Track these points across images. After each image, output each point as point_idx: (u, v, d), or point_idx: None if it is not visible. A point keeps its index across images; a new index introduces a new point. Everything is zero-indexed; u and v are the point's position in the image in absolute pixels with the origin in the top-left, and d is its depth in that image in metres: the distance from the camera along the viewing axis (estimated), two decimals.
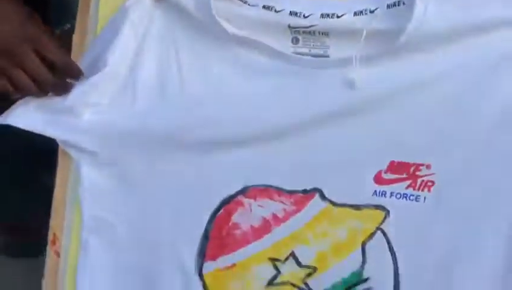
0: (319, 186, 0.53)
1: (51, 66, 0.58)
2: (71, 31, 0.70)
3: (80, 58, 0.63)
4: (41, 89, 0.59)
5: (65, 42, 0.69)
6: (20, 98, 0.64)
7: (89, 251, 0.60)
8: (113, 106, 0.59)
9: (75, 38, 0.67)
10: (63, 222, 0.66)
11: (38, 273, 0.69)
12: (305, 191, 0.54)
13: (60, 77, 0.59)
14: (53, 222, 0.67)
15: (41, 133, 0.62)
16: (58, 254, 0.66)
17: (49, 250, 0.67)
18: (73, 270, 0.64)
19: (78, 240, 0.62)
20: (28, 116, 0.59)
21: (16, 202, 1.04)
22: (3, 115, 0.62)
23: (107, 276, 0.60)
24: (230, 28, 0.55)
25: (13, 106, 0.62)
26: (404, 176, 0.51)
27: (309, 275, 0.53)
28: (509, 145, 0.49)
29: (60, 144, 0.63)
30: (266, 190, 0.55)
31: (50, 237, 0.67)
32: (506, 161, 0.49)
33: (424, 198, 0.50)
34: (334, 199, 0.52)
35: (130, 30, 0.58)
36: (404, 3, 0.53)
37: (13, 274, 1.02)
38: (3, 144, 0.90)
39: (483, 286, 0.47)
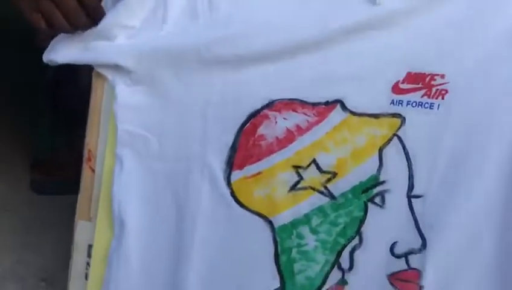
0: (340, 97, 0.57)
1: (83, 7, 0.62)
2: None
3: None
4: (73, 28, 0.63)
5: None
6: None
7: (123, 163, 0.65)
8: (145, 27, 0.63)
9: None
10: (98, 139, 0.71)
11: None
12: (327, 103, 0.58)
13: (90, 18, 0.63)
14: (88, 140, 0.72)
15: (79, 62, 0.66)
16: (93, 170, 0.71)
17: (85, 166, 0.73)
18: (108, 184, 0.70)
19: (113, 155, 0.68)
20: (65, 50, 0.64)
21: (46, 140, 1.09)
22: (46, 52, 0.66)
23: (141, 185, 0.65)
24: None
25: (51, 43, 0.67)
26: (420, 85, 0.54)
27: (329, 180, 0.58)
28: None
29: (95, 67, 0.68)
30: (290, 103, 0.59)
31: (85, 155, 0.72)
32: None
33: (438, 105, 0.54)
34: (354, 109, 0.57)
35: None
36: None
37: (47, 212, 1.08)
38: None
39: (489, 183, 0.52)
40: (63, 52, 0.64)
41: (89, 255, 0.70)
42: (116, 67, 0.65)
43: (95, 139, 0.70)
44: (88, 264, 0.70)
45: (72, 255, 0.72)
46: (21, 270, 0.94)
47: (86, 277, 0.70)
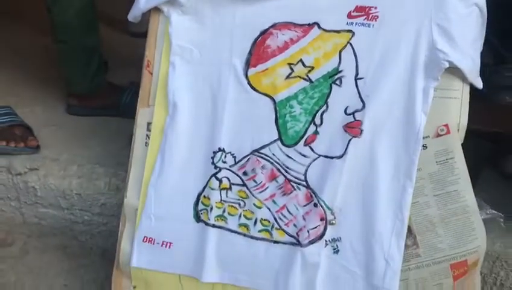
0: (317, 20, 0.93)
1: None
2: None
3: None
4: None
5: None
6: None
7: (175, 67, 1.00)
8: None
9: None
10: (155, 51, 1.03)
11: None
12: (309, 24, 0.94)
13: None
14: (147, 52, 1.04)
15: (145, 9, 0.97)
16: (151, 73, 1.03)
17: (144, 71, 1.04)
18: (163, 81, 1.02)
19: (167, 61, 1.00)
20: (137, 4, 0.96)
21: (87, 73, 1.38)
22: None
23: (187, 80, 0.99)
24: None
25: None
26: (363, 13, 0.92)
27: (309, 71, 0.94)
28: None
29: (156, 5, 0.99)
30: (286, 24, 0.95)
31: (145, 63, 1.04)
32: None
33: (373, 25, 0.91)
34: (325, 28, 0.93)
35: None
36: None
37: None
38: None
39: (400, 70, 0.89)
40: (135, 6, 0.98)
41: (148, 130, 1.03)
42: (172, 3, 0.97)
43: (153, 52, 1.03)
44: (147, 136, 1.03)
45: (135, 131, 1.04)
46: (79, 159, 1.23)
47: (145, 145, 1.03)
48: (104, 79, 1.44)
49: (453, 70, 0.93)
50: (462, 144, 0.95)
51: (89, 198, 1.18)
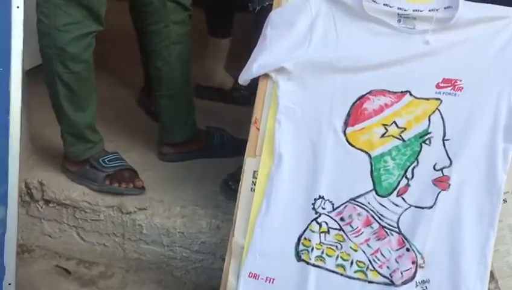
0: (409, 89, 1.10)
1: None
2: (269, 7, 1.22)
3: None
4: None
5: (265, 15, 1.20)
6: None
7: (280, 125, 1.15)
8: (298, 48, 1.12)
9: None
10: (262, 110, 1.18)
11: None
12: (401, 92, 1.09)
13: None
14: (255, 111, 1.19)
15: (256, 75, 1.14)
16: (258, 128, 1.18)
17: (252, 127, 1.19)
18: (269, 135, 1.17)
19: (274, 119, 1.15)
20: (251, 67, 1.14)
21: None
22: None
23: (291, 134, 1.15)
24: (369, 12, 1.10)
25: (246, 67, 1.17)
26: (449, 85, 1.07)
27: (402, 131, 1.08)
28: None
29: (267, 72, 1.15)
30: (382, 92, 1.10)
31: (253, 119, 1.19)
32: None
33: (458, 94, 1.06)
34: (416, 95, 1.09)
35: (309, 9, 1.12)
36: (452, 7, 1.08)
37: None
38: None
39: (483, 135, 1.02)
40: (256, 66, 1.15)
41: (254, 177, 1.17)
42: (280, 70, 1.13)
43: (260, 110, 1.18)
44: (253, 182, 1.16)
45: (242, 177, 1.17)
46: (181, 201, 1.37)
47: (251, 190, 1.16)
48: (196, 126, 1.61)
49: None
50: None
51: (190, 236, 1.32)
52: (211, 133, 1.63)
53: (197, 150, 1.59)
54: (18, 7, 1.11)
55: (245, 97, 1.76)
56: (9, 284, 1.13)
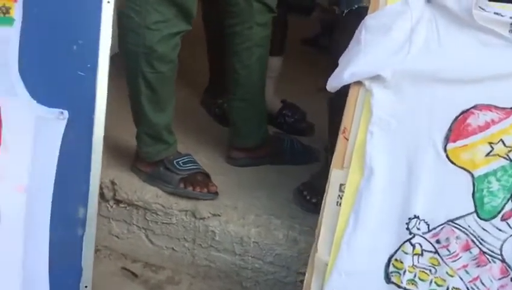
0: None
1: None
2: (360, 10, 1.16)
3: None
4: None
5: (353, 19, 1.14)
6: None
7: (373, 136, 1.08)
8: (395, 54, 1.05)
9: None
10: (352, 119, 1.12)
11: None
12: (511, 108, 1.00)
13: None
14: (345, 120, 1.13)
15: (348, 82, 1.07)
16: (346, 139, 1.12)
17: (340, 136, 1.13)
18: (360, 146, 1.10)
19: (365, 129, 1.09)
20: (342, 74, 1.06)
21: None
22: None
23: (384, 147, 1.07)
24: (479, 20, 1.02)
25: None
26: None
27: (509, 151, 1.00)
28: None
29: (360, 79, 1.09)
30: (488, 107, 1.02)
31: (341, 129, 1.13)
32: None
33: None
34: None
35: (409, 14, 1.05)
36: None
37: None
38: None
39: None
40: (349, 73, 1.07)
41: (340, 191, 1.11)
42: (375, 78, 1.07)
43: (350, 120, 1.12)
44: (339, 196, 1.10)
45: (327, 190, 1.11)
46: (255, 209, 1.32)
47: (337, 204, 1.10)
48: (268, 131, 1.56)
49: None
50: None
51: (265, 247, 1.27)
52: (280, 139, 1.59)
53: (266, 156, 1.54)
54: (109, 2, 1.08)
55: (289, 125, 1.72)
56: (86, 287, 1.10)
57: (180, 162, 1.37)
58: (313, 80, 2.05)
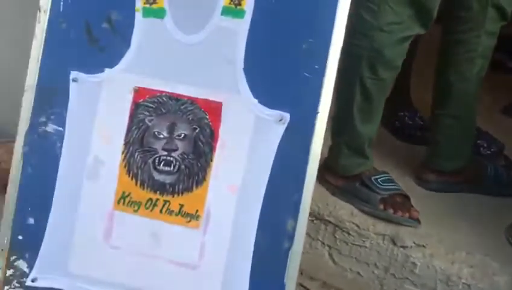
0: None
1: None
2: None
3: None
4: None
5: None
6: None
7: None
8: None
9: None
10: None
11: None
12: None
13: None
14: None
15: None
16: None
17: None
18: None
19: None
20: None
21: None
22: None
23: None
24: None
25: None
26: None
27: None
28: None
29: None
30: None
31: None
32: None
33: None
34: None
35: None
36: None
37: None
38: None
39: None
40: None
41: None
42: None
43: None
44: None
45: None
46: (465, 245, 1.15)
47: None
48: (472, 154, 1.37)
49: None
50: None
51: None
52: (483, 165, 1.38)
53: (465, 182, 1.35)
54: None
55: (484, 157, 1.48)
56: None
57: (379, 180, 1.22)
58: (492, 98, 1.83)
